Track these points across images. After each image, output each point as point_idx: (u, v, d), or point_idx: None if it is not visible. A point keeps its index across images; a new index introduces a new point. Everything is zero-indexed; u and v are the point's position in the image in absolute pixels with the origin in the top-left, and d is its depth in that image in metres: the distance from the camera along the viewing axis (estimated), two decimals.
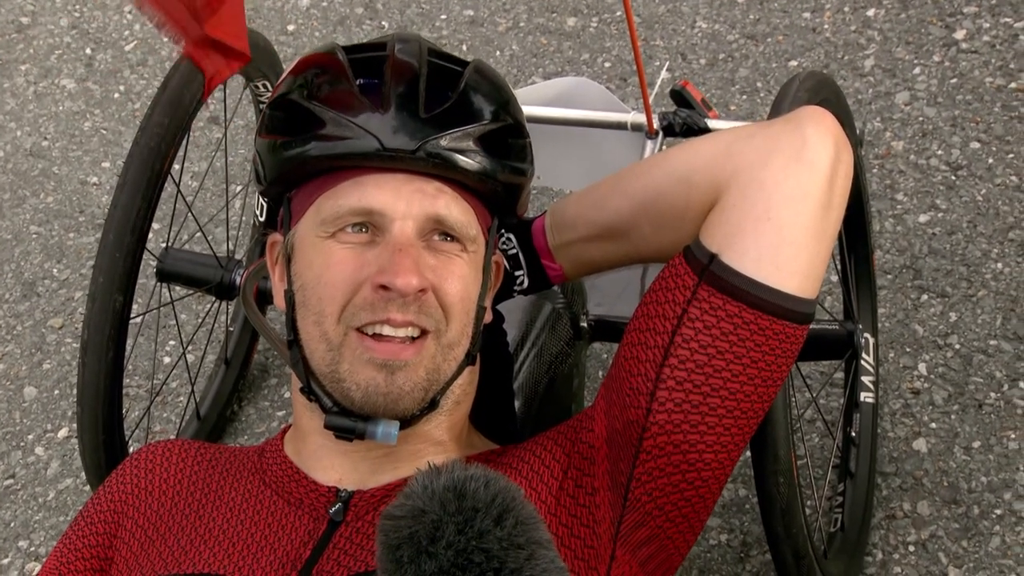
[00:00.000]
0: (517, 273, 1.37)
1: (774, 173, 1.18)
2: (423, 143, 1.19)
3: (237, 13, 1.53)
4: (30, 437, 2.33)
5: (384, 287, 1.17)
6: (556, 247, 1.36)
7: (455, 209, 1.22)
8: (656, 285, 1.23)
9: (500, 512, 0.94)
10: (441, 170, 1.21)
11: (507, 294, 1.39)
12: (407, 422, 1.22)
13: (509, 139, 1.27)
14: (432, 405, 1.23)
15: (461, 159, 1.21)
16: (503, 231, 1.36)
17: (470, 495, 0.94)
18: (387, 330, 1.19)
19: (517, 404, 1.55)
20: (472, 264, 1.24)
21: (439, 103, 1.22)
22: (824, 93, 1.65)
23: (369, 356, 1.19)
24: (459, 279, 1.22)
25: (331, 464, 1.27)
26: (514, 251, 1.36)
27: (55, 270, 2.67)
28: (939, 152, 2.46)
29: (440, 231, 1.22)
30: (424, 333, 1.20)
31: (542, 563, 0.94)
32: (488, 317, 1.30)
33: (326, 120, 1.21)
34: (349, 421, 1.21)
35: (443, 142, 1.20)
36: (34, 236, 2.77)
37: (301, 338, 1.24)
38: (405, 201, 1.19)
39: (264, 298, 1.82)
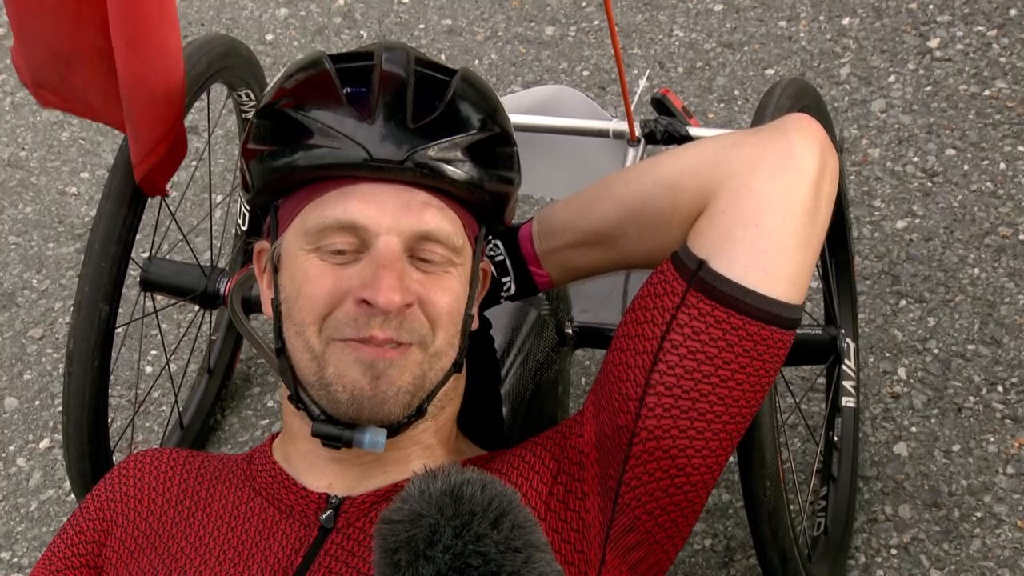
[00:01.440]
0: (504, 279, 1.38)
1: (762, 180, 1.19)
2: (411, 153, 1.19)
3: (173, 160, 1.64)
4: (11, 448, 2.32)
5: (367, 302, 1.17)
6: (543, 254, 1.37)
7: (442, 221, 1.22)
8: (644, 291, 1.24)
9: (497, 516, 0.94)
10: (429, 180, 1.21)
11: (494, 300, 1.40)
12: (394, 429, 1.23)
13: (497, 148, 1.27)
14: (419, 412, 1.24)
15: (449, 169, 1.21)
16: (490, 238, 1.37)
17: (467, 499, 0.95)
18: (372, 344, 1.19)
19: (504, 411, 1.56)
20: (459, 275, 1.25)
21: (427, 113, 1.22)
22: (805, 100, 1.66)
23: (355, 356, 1.19)
24: (447, 291, 1.22)
25: (321, 470, 1.27)
26: (501, 257, 1.37)
27: (34, 280, 2.66)
28: (915, 159, 2.49)
29: (426, 245, 1.21)
30: (408, 344, 1.21)
31: (539, 566, 0.94)
32: (475, 324, 1.31)
33: (313, 130, 1.21)
34: (336, 429, 1.22)
35: (431, 152, 1.20)
36: (13, 247, 2.76)
37: (287, 347, 1.24)
38: (391, 215, 1.19)
39: (248, 306, 1.82)
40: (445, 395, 1.28)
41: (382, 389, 1.19)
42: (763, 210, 1.18)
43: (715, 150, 1.24)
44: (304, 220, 1.22)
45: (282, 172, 1.23)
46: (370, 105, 1.21)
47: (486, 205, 1.27)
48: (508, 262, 1.37)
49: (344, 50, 1.37)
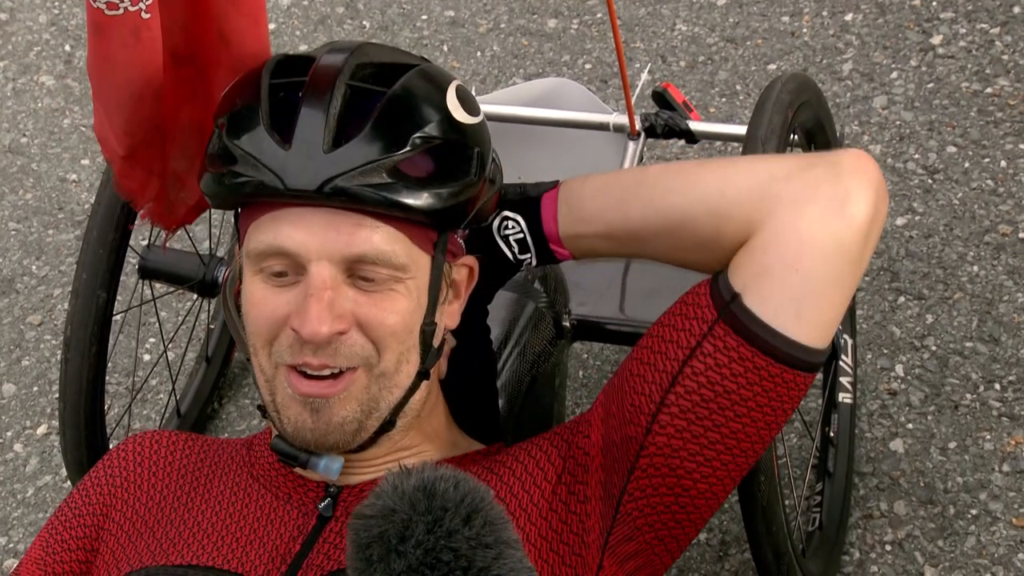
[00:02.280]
0: (524, 256, 1.32)
1: (810, 223, 1.16)
2: (326, 182, 1.14)
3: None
4: (8, 434, 2.32)
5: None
6: (567, 237, 1.30)
7: (378, 240, 1.16)
8: (676, 309, 1.22)
9: (469, 512, 0.95)
10: (352, 204, 1.15)
11: (501, 280, 1.36)
12: (355, 450, 1.23)
13: (442, 157, 1.20)
14: (387, 426, 1.23)
15: (370, 194, 1.15)
16: (508, 214, 1.31)
17: (440, 495, 0.96)
18: (309, 370, 1.18)
19: (501, 403, 1.56)
20: (408, 290, 1.20)
21: (351, 134, 1.16)
22: (806, 95, 1.66)
23: (293, 392, 1.19)
24: (390, 312, 1.18)
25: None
26: (521, 236, 1.31)
27: (34, 267, 2.66)
28: (916, 156, 2.49)
29: (363, 267, 1.17)
30: (349, 369, 1.19)
31: (510, 563, 0.95)
32: (452, 324, 1.28)
33: (236, 157, 1.18)
34: (293, 450, 1.23)
35: (351, 177, 1.14)
36: (13, 233, 2.76)
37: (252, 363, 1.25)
38: (319, 240, 1.15)
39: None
40: (418, 403, 1.26)
41: (324, 421, 1.19)
42: (805, 254, 1.15)
43: (765, 182, 1.19)
44: (248, 240, 1.20)
45: (215, 195, 1.23)
46: (292, 130, 1.16)
47: (439, 215, 1.20)
48: (529, 239, 1.31)
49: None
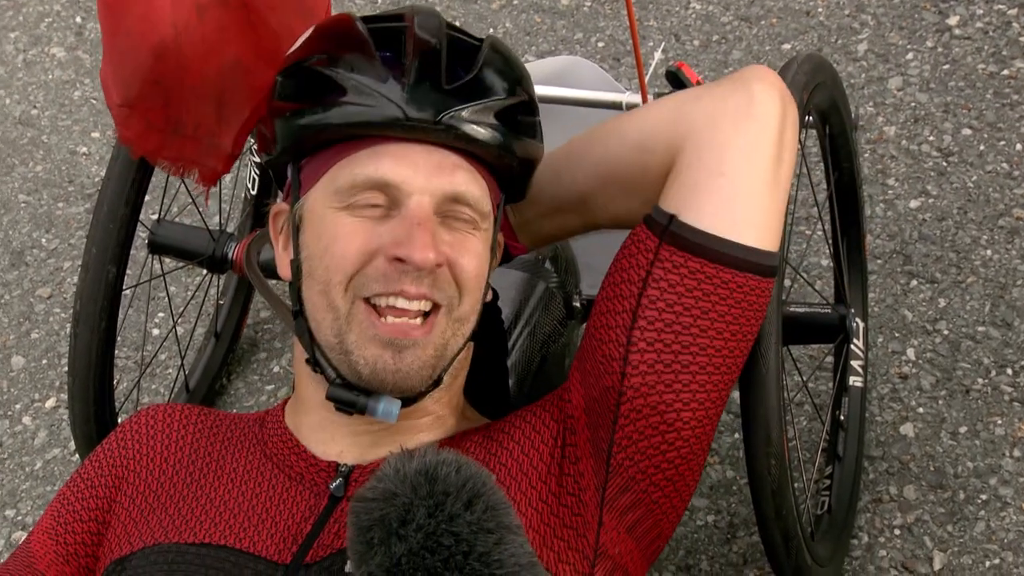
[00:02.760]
0: None
1: (725, 130, 1.20)
2: (444, 114, 1.19)
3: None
4: (17, 407, 2.32)
5: (400, 260, 1.17)
6: (517, 225, 1.38)
7: (472, 185, 1.22)
8: (619, 254, 1.25)
9: (470, 497, 0.95)
10: (461, 142, 1.21)
11: None
12: (410, 400, 1.23)
13: (524, 116, 1.27)
14: (436, 382, 1.24)
15: (481, 132, 1.21)
16: None
17: (441, 479, 0.96)
18: (400, 302, 1.18)
19: (511, 382, 1.56)
20: (483, 241, 1.25)
21: (458, 77, 1.22)
22: (821, 76, 1.65)
23: (374, 333, 1.18)
24: (474, 255, 1.22)
25: (332, 437, 1.27)
26: None
27: (44, 240, 2.66)
28: (931, 138, 2.47)
29: (455, 207, 1.21)
30: (436, 307, 1.20)
31: (511, 547, 0.95)
32: (488, 295, 1.31)
33: (347, 88, 1.20)
34: (351, 395, 1.21)
35: (464, 114, 1.20)
36: (23, 205, 2.76)
37: (307, 309, 1.24)
38: (424, 175, 1.19)
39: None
40: (459, 363, 1.28)
41: (407, 363, 1.19)
42: (727, 159, 1.19)
43: (678, 105, 1.25)
44: (333, 179, 1.21)
45: (313, 130, 1.22)
46: (404, 66, 1.20)
47: (512, 171, 1.27)
48: None
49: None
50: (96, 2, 1.37)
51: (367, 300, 1.19)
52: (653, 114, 1.27)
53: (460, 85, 1.21)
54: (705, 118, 1.21)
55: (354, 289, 1.19)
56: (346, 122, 1.20)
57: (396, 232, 1.18)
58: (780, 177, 1.22)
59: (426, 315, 1.20)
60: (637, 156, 1.26)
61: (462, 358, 1.28)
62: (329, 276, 1.20)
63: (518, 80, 1.27)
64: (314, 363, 1.25)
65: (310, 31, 1.28)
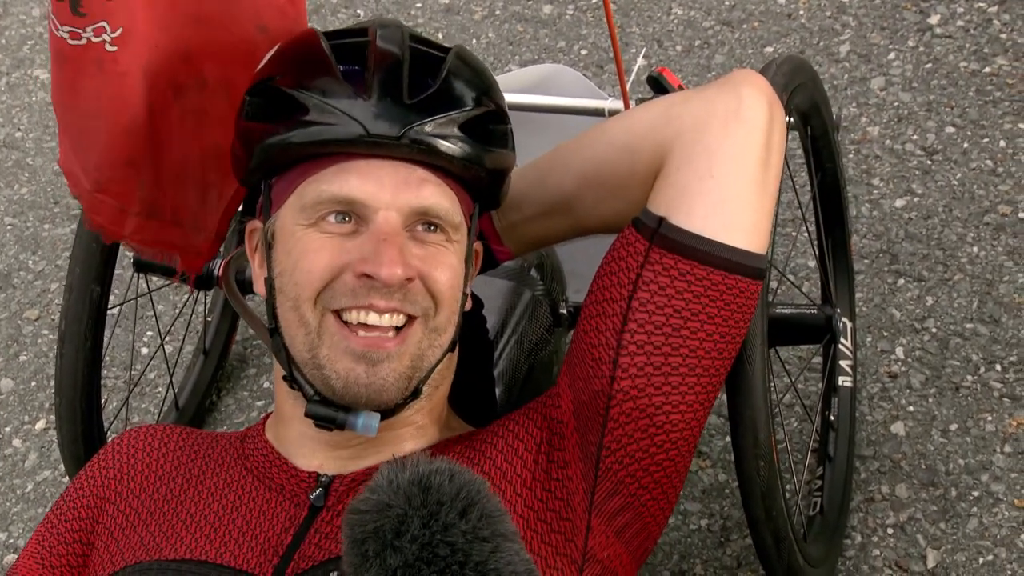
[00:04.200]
0: None
1: (714, 133, 1.20)
2: (407, 129, 1.18)
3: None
4: (7, 429, 2.32)
5: (367, 276, 1.17)
6: (503, 229, 1.37)
7: (441, 198, 1.21)
8: (607, 257, 1.25)
9: (465, 505, 0.95)
10: (426, 156, 1.20)
11: None
12: (389, 412, 1.22)
13: (492, 125, 1.26)
14: (414, 394, 1.23)
15: (445, 145, 1.20)
16: None
17: (435, 488, 0.95)
18: (371, 317, 1.18)
19: (498, 391, 1.55)
20: (456, 252, 1.24)
21: (422, 89, 1.21)
22: (801, 77, 1.65)
23: (346, 345, 1.18)
24: (447, 267, 1.22)
25: (312, 450, 1.27)
26: None
27: (30, 261, 2.66)
28: (914, 137, 2.47)
29: (425, 221, 1.21)
30: (411, 319, 1.20)
31: (507, 555, 0.94)
32: (468, 304, 1.30)
33: (309, 106, 1.19)
34: (330, 411, 1.21)
35: (427, 128, 1.19)
36: (8, 227, 2.75)
37: (281, 325, 1.23)
38: (390, 191, 1.19)
39: (241, 288, 1.81)
40: (439, 374, 1.28)
41: (381, 376, 1.19)
42: (716, 161, 1.19)
43: (666, 108, 1.25)
44: (300, 196, 1.21)
45: (278, 149, 1.22)
46: (366, 81, 1.20)
47: (482, 182, 1.26)
48: None
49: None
50: (52, 89, 1.34)
51: (337, 314, 1.19)
52: (641, 116, 1.27)
53: (423, 98, 1.20)
54: (693, 121, 1.22)
55: (323, 303, 1.19)
56: (309, 140, 1.20)
57: (363, 248, 1.17)
58: (768, 179, 1.23)
59: (398, 329, 1.20)
60: (624, 158, 1.26)
61: (443, 368, 1.28)
62: (298, 292, 1.20)
63: (485, 90, 1.26)
64: (291, 380, 1.25)
65: (275, 49, 1.28)
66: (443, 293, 1.21)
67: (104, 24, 1.24)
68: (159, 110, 1.34)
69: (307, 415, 1.22)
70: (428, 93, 1.21)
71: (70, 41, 1.25)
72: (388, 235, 1.17)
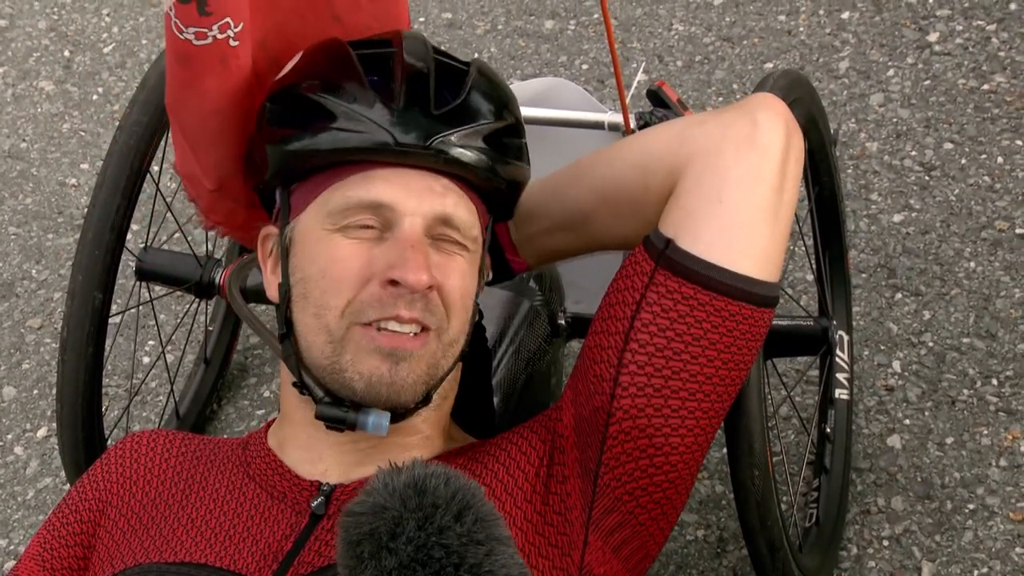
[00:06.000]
0: None
1: (727, 157, 1.20)
2: (433, 139, 1.20)
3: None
4: (9, 437, 2.33)
5: (394, 282, 1.18)
6: (519, 241, 1.38)
7: (462, 208, 1.23)
8: (618, 274, 1.25)
9: (460, 509, 0.95)
10: (450, 167, 1.22)
11: None
12: (399, 415, 1.23)
13: (511, 138, 1.28)
14: (425, 400, 1.25)
15: (469, 156, 1.22)
16: None
17: (430, 492, 0.96)
18: (393, 326, 1.19)
19: (496, 401, 1.56)
20: (471, 263, 1.26)
21: (446, 101, 1.23)
22: (797, 92, 1.67)
23: (375, 345, 1.19)
24: (460, 276, 1.23)
25: (319, 456, 1.27)
26: None
27: (34, 271, 2.67)
28: (913, 153, 2.49)
29: (445, 230, 1.22)
30: (425, 330, 1.21)
31: (501, 559, 0.95)
32: (476, 316, 1.32)
33: (337, 113, 1.21)
34: (341, 411, 1.22)
35: (453, 139, 1.21)
36: (12, 237, 2.77)
37: (297, 331, 1.24)
38: (415, 197, 1.20)
39: (244, 296, 1.83)
40: (448, 384, 1.29)
41: (402, 375, 1.20)
42: (727, 186, 1.19)
43: (682, 130, 1.25)
44: (325, 202, 1.22)
45: (303, 156, 1.23)
46: (393, 91, 1.22)
47: (500, 194, 1.28)
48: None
49: None
50: (167, 93, 1.34)
51: (362, 326, 1.20)
52: (658, 136, 1.27)
53: (449, 110, 1.22)
54: (707, 143, 1.21)
55: (350, 315, 1.20)
56: (336, 148, 1.21)
57: (390, 255, 1.19)
58: (781, 206, 1.21)
59: (416, 335, 1.21)
60: (639, 176, 1.26)
61: (451, 378, 1.29)
62: (326, 300, 1.21)
63: (505, 104, 1.28)
64: (301, 385, 1.25)
65: (299, 56, 1.29)
66: (455, 303, 1.23)
67: (229, 20, 1.26)
68: (259, 100, 1.35)
69: (318, 417, 1.23)
70: (453, 105, 1.23)
71: (196, 42, 1.26)
72: (414, 242, 1.19)
